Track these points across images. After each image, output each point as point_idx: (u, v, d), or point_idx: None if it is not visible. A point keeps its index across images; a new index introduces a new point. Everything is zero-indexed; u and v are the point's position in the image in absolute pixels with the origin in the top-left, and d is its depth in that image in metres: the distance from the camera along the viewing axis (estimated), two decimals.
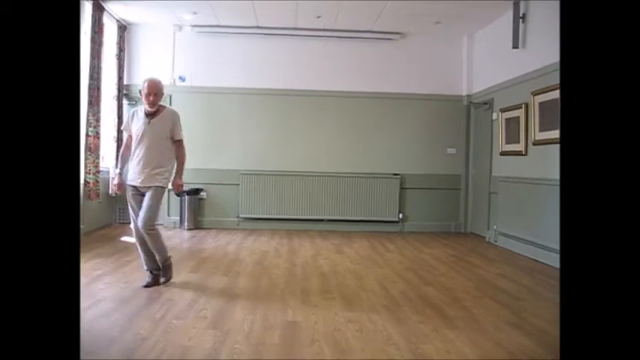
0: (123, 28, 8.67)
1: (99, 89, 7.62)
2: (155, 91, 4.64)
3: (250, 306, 4.20)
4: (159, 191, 4.67)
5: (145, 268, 4.82)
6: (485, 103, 8.55)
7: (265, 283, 5.06)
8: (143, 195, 4.66)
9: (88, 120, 7.41)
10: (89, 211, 7.66)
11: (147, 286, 4.67)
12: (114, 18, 8.33)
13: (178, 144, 4.87)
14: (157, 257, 4.75)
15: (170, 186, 4.86)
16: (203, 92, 9.02)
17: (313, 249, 7.12)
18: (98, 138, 7.55)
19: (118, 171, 4.90)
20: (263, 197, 9.01)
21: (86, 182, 7.42)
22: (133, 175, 4.68)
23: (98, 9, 7.51)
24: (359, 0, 7.47)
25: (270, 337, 3.45)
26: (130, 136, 4.78)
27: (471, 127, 9.25)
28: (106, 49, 7.97)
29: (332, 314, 4.02)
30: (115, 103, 8.47)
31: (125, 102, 8.68)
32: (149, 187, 4.63)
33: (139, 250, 4.80)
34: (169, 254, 4.89)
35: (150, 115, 4.68)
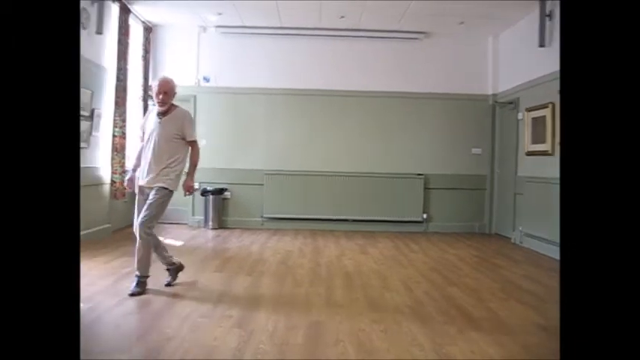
0: (148, 29, 8.77)
1: (125, 90, 7.71)
2: (165, 89, 4.49)
3: (274, 306, 4.22)
4: (162, 192, 4.48)
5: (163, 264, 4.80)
6: (511, 103, 8.46)
7: (289, 282, 5.07)
8: (148, 196, 4.52)
9: (114, 120, 7.51)
10: (115, 210, 7.76)
11: (167, 285, 4.71)
12: (139, 20, 8.43)
13: (192, 145, 4.71)
14: (137, 266, 4.51)
15: (180, 187, 4.69)
16: (227, 93, 9.08)
17: (337, 249, 7.12)
18: (124, 138, 7.64)
19: (132, 167, 4.78)
20: (287, 197, 9.03)
21: (112, 182, 7.52)
22: (142, 174, 4.58)
23: (124, 11, 7.61)
24: (383, 0, 7.44)
25: (294, 337, 3.46)
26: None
27: (497, 126, 9.15)
28: (131, 50, 8.06)
29: (356, 314, 4.02)
30: (140, 104, 8.58)
31: (150, 103, 8.75)
32: (152, 188, 4.50)
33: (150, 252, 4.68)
34: (148, 274, 4.56)
35: (161, 115, 4.57)
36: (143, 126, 4.74)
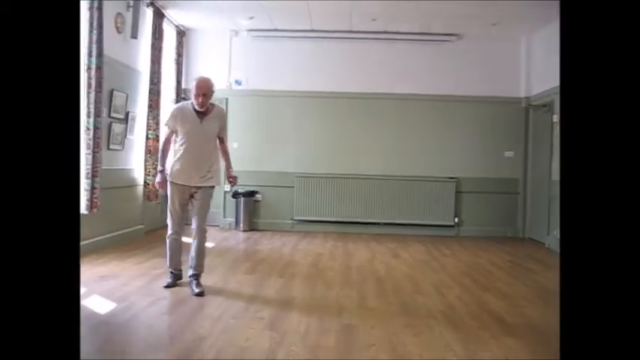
0: (181, 33, 8.87)
1: (159, 93, 7.81)
2: (204, 91, 4.46)
3: (306, 308, 4.22)
4: (211, 191, 4.70)
5: (169, 265, 4.81)
6: (545, 106, 8.33)
7: (320, 285, 5.07)
8: (191, 195, 4.62)
9: (148, 123, 7.62)
10: (149, 212, 7.86)
11: (168, 286, 4.68)
12: (173, 24, 8.53)
13: (222, 140, 4.81)
14: (196, 263, 4.65)
15: (225, 181, 4.83)
16: (259, 95, 9.13)
17: (368, 252, 7.09)
18: (157, 141, 7.73)
19: (160, 168, 4.71)
20: (317, 200, 9.03)
21: (146, 184, 7.62)
22: (184, 175, 4.56)
23: (158, 15, 7.71)
24: (414, 1, 7.39)
25: (326, 340, 3.45)
26: (172, 132, 4.63)
27: (530, 129, 9.02)
28: (165, 54, 8.15)
29: (388, 318, 4.00)
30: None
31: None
32: (201, 187, 4.59)
33: (169, 248, 4.76)
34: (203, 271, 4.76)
35: (202, 115, 4.55)
36: (173, 124, 4.62)
